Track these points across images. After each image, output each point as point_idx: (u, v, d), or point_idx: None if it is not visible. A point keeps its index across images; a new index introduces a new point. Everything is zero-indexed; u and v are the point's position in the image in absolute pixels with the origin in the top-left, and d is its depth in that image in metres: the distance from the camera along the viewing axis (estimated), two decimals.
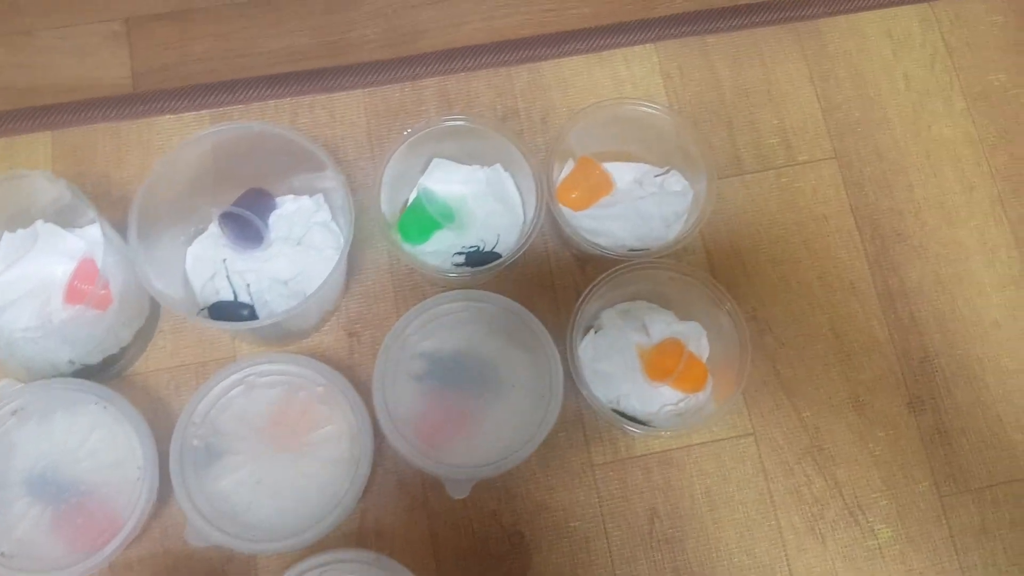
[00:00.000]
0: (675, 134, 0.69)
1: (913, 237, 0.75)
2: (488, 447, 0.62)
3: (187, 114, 0.73)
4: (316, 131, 0.74)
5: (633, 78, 0.77)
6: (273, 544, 0.58)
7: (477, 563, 0.65)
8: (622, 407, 0.66)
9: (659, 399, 0.66)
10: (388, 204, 0.68)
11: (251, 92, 0.73)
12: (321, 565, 0.59)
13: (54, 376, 0.62)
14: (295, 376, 0.62)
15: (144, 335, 0.67)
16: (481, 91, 0.76)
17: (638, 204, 0.69)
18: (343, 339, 0.69)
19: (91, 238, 0.64)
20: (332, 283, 0.61)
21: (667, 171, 0.72)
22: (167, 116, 0.73)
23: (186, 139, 0.62)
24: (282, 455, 0.61)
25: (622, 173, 0.72)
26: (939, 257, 0.74)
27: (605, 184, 0.71)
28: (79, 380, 0.61)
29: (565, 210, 0.70)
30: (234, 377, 0.61)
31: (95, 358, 0.63)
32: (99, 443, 0.60)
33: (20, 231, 0.65)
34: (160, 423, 0.62)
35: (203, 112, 0.74)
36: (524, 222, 0.69)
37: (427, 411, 0.63)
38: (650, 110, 0.69)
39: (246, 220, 0.64)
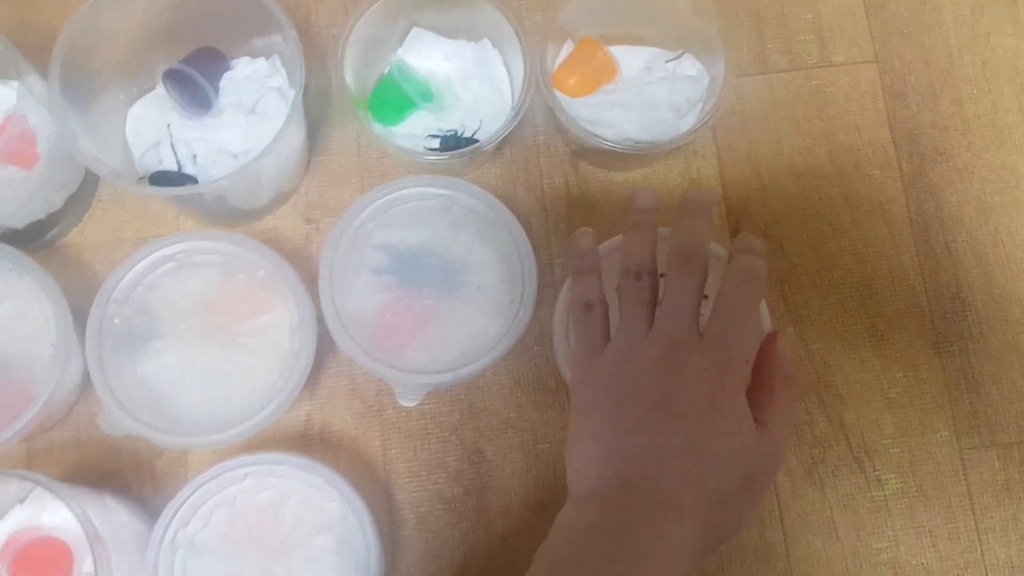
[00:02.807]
0: (692, 14, 0.60)
1: (958, 157, 0.65)
2: (447, 354, 0.55)
3: None
4: None
5: None
6: (194, 439, 0.52)
7: (431, 480, 0.59)
8: None
9: None
10: (359, 77, 0.60)
11: None
12: (248, 465, 0.52)
13: None
14: (233, 257, 0.55)
15: (79, 202, 0.60)
16: None
17: (645, 90, 0.61)
18: (300, 225, 0.62)
19: (23, 92, 0.58)
20: (280, 153, 0.54)
21: (680, 54, 0.62)
22: None
23: None
24: (214, 343, 0.54)
25: (630, 58, 0.63)
26: (985, 182, 0.65)
27: (609, 69, 0.62)
28: None
29: (561, 97, 0.61)
30: (164, 252, 0.54)
31: (19, 222, 0.57)
32: (11, 313, 0.54)
33: None
34: (90, 300, 0.55)
35: None
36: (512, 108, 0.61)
37: (382, 309, 0.56)
38: None
39: (192, 80, 0.57)
